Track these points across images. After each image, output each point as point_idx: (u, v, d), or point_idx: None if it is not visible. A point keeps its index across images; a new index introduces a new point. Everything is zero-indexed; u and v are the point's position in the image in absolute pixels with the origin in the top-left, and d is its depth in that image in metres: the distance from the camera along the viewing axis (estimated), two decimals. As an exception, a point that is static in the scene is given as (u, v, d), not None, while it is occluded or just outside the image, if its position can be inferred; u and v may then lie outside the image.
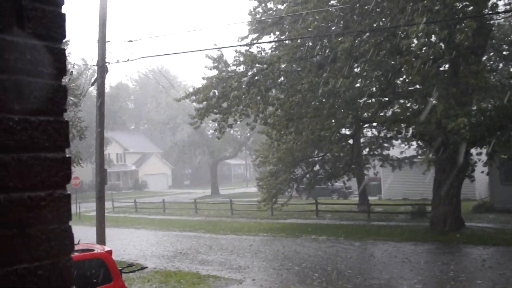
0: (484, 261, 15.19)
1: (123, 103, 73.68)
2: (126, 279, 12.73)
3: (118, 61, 17.34)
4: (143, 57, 19.36)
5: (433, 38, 16.65)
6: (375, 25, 18.03)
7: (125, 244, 21.81)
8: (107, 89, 50.42)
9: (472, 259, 15.88)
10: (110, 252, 8.75)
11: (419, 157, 27.92)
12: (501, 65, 22.08)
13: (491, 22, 18.30)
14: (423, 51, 16.53)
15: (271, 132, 21.86)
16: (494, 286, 12.33)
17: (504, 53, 21.37)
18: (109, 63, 16.05)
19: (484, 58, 20.10)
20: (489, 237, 18.86)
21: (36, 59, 1.24)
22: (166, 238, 23.61)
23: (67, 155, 1.31)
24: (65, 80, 1.31)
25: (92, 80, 16.96)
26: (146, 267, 15.95)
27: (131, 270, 14.05)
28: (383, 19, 18.50)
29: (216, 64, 22.29)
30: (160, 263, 17.15)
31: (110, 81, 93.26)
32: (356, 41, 17.15)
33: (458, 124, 15.12)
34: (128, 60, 16.68)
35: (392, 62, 18.60)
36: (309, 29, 17.78)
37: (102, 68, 15.83)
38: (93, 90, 23.09)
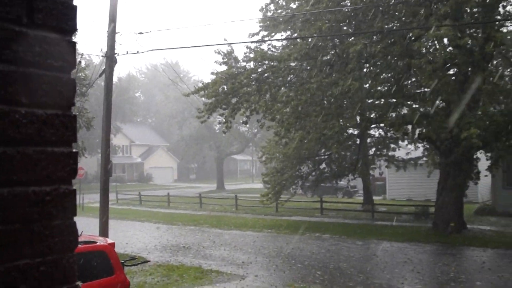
0: (484, 263, 15.31)
1: (132, 95, 73.77)
2: (128, 272, 12.77)
3: (127, 53, 17.19)
4: (152, 50, 19.47)
5: (445, 42, 16.65)
6: (386, 27, 17.99)
7: (128, 236, 21.85)
8: (115, 80, 50.56)
9: (473, 261, 15.86)
10: (112, 244, 8.74)
11: (424, 158, 27.85)
12: (507, 71, 21.88)
13: (501, 28, 18.23)
14: (436, 55, 16.54)
15: (280, 129, 21.83)
16: (493, 288, 12.34)
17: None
18: (118, 54, 16.05)
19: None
20: (490, 240, 18.98)
21: (46, 51, 1.21)
22: (169, 231, 23.64)
23: (74, 150, 1.29)
24: (73, 70, 1.29)
25: (101, 71, 16.92)
26: (149, 261, 15.96)
27: (133, 263, 14.05)
28: (395, 22, 18.48)
29: (226, 60, 22.19)
30: (162, 256, 17.17)
31: (119, 72, 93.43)
32: (367, 43, 17.12)
33: (471, 134, 15.33)
34: (137, 52, 16.65)
35: (401, 64, 18.58)
36: (322, 29, 17.74)
37: (111, 59, 15.82)
38: (101, 80, 23.08)
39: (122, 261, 8.99)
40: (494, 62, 19.81)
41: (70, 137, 1.27)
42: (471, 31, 16.81)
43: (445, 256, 16.62)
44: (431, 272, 14.30)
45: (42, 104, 1.20)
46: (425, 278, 13.51)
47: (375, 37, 17.95)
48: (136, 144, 74.06)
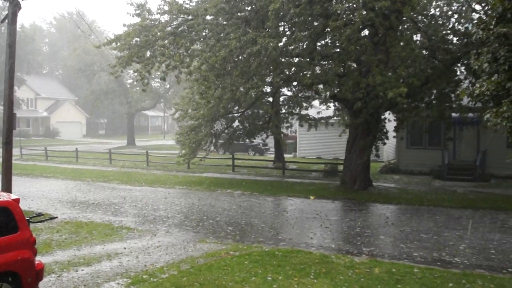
0: (387, 218, 16.20)
1: (37, 45, 69.79)
2: (34, 229, 12.31)
3: (32, -2, 16.14)
4: (60, -3, 18.20)
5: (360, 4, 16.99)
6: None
7: (34, 193, 21.03)
8: (19, 28, 47.45)
9: (377, 216, 16.73)
10: (17, 200, 8.31)
11: (334, 118, 28.61)
12: (417, 36, 22.68)
13: None
14: (352, 16, 16.84)
15: (198, 87, 21.51)
16: (395, 241, 13.11)
17: (420, 25, 21.99)
18: None
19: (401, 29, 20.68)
20: (393, 196, 20.10)
21: None
22: (78, 188, 22.98)
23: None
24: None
25: (2, 17, 15.72)
26: (56, 217, 15.50)
27: (39, 220, 13.57)
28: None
29: (138, 12, 21.35)
30: (71, 213, 16.67)
31: (24, 21, 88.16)
32: (285, 1, 17.09)
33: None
34: (43, -2, 15.62)
35: (317, 24, 18.75)
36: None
37: (14, 3, 14.75)
38: (2, 28, 21.47)
39: (28, 218, 8.60)
40: (405, 26, 20.45)
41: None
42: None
43: (352, 211, 17.38)
44: (339, 227, 14.92)
45: None
46: (333, 233, 14.08)
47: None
48: (41, 97, 70.65)
